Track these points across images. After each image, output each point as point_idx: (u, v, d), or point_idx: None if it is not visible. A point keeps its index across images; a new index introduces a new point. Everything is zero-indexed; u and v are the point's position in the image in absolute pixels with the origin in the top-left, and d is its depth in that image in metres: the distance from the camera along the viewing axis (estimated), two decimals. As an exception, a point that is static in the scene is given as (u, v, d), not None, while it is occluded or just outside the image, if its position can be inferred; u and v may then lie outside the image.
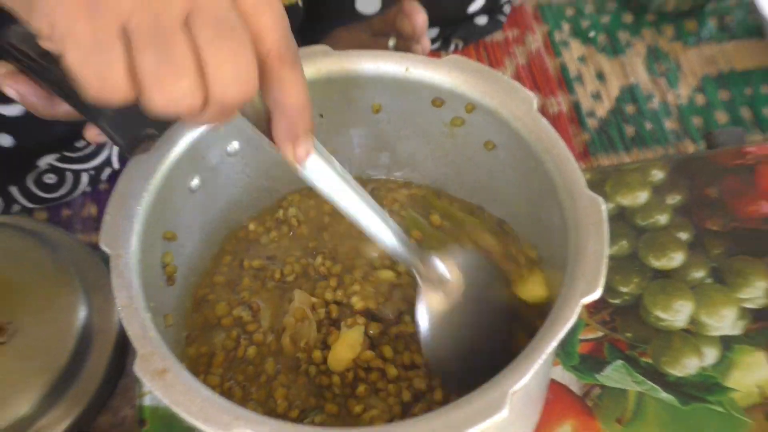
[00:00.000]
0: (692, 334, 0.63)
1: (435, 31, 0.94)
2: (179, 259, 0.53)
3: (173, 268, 0.53)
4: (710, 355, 0.62)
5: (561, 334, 0.40)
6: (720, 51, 0.93)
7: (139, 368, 0.41)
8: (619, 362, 0.62)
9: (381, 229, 0.48)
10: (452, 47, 0.95)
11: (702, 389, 0.61)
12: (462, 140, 0.55)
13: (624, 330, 0.64)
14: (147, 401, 0.63)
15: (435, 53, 0.96)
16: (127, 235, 0.47)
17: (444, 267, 0.50)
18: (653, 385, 0.61)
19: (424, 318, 0.50)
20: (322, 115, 0.56)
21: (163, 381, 0.41)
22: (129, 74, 0.37)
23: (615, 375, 0.62)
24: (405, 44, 0.89)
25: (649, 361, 0.62)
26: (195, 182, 0.53)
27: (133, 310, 0.44)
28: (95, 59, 0.38)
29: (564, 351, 0.63)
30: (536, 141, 0.49)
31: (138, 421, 0.63)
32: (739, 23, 0.95)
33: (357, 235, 0.54)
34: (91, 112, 0.54)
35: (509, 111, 0.50)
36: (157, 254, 0.51)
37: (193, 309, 0.55)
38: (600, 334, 0.64)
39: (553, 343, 0.40)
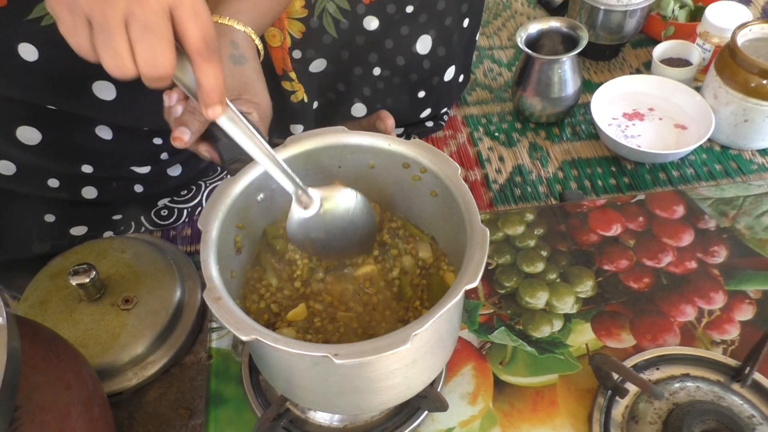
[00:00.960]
0: (547, 312, 0.64)
1: (400, 130, 0.95)
2: (245, 239, 0.54)
3: (240, 244, 0.53)
4: (557, 324, 0.63)
5: (449, 305, 0.41)
6: (572, 146, 0.95)
7: (205, 295, 0.43)
8: (503, 328, 0.63)
9: (269, 163, 0.47)
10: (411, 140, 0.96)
11: (552, 345, 0.61)
12: (418, 189, 0.55)
13: (506, 309, 0.64)
14: (214, 344, 0.63)
15: (401, 143, 0.98)
16: (213, 222, 0.48)
17: (312, 193, 0.50)
18: (522, 342, 0.61)
19: (291, 222, 0.51)
20: (340, 166, 0.57)
21: (218, 305, 0.42)
22: (92, 48, 0.41)
23: (499, 336, 0.62)
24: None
25: (521, 328, 0.63)
26: (261, 196, 0.54)
27: (209, 263, 0.45)
28: (73, 37, 0.41)
29: (469, 320, 0.63)
30: (458, 193, 0.50)
31: (207, 357, 0.63)
32: (583, 130, 0.97)
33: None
34: (213, 141, 0.55)
35: (445, 174, 0.51)
36: (231, 235, 0.52)
37: (251, 268, 0.56)
38: (492, 310, 0.64)
39: (443, 310, 0.41)
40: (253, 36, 0.60)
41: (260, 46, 0.61)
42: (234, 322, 0.41)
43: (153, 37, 0.40)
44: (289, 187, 0.49)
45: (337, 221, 0.53)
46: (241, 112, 0.51)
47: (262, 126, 0.57)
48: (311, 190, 0.51)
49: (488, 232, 0.45)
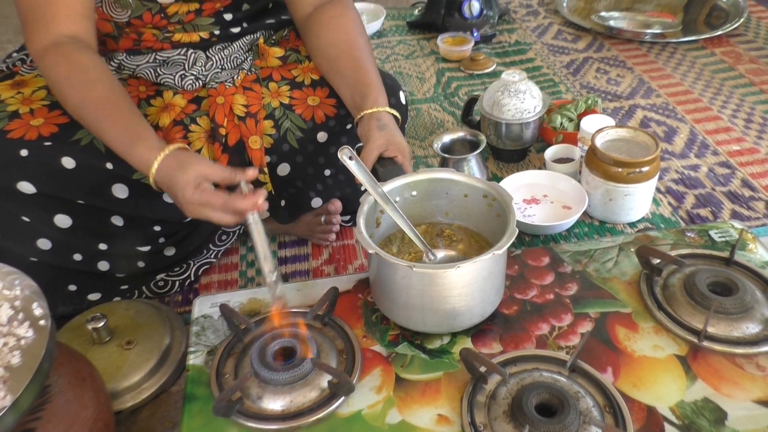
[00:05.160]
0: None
1: (347, 217, 1.20)
2: (384, 220, 0.87)
3: (380, 221, 0.86)
4: (446, 339, 0.82)
5: (482, 258, 0.74)
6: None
7: (355, 230, 0.78)
8: (405, 343, 0.81)
9: (410, 232, 0.81)
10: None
11: (441, 353, 0.80)
12: (490, 212, 0.85)
13: (409, 330, 0.84)
14: (191, 362, 0.81)
15: (349, 228, 1.21)
16: (360, 215, 0.80)
17: (435, 253, 0.84)
18: (419, 352, 0.80)
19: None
20: (447, 193, 0.89)
21: (359, 232, 0.77)
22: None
23: (402, 348, 0.81)
24: (329, 218, 1.14)
25: (419, 342, 0.81)
26: (398, 199, 0.86)
27: (360, 216, 0.80)
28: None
29: (381, 338, 0.82)
30: (510, 214, 0.79)
31: (185, 369, 0.81)
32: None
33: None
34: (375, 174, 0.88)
35: (506, 202, 0.81)
36: (373, 219, 0.84)
37: (385, 239, 0.90)
38: (398, 332, 0.83)
39: (477, 259, 0.74)
40: (389, 110, 0.93)
41: (397, 114, 0.95)
42: (365, 241, 0.75)
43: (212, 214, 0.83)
44: (423, 248, 0.83)
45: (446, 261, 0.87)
46: (392, 157, 0.88)
47: (406, 162, 0.89)
48: (435, 251, 0.85)
49: (517, 232, 0.76)
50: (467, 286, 0.77)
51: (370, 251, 0.75)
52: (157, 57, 1.03)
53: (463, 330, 0.83)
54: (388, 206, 0.81)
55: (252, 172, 0.82)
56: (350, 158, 0.80)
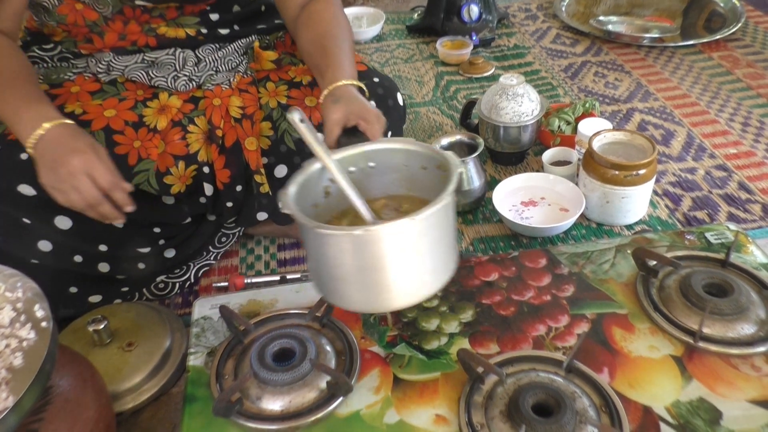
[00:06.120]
0: (437, 332, 0.83)
1: (347, 219, 1.20)
2: (332, 193, 0.79)
3: (328, 194, 0.79)
4: (444, 340, 0.82)
5: (415, 216, 0.65)
6: (482, 228, 1.18)
7: (280, 194, 0.71)
8: (404, 344, 0.82)
9: (355, 199, 0.72)
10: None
11: (438, 354, 0.80)
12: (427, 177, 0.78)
13: (407, 331, 0.84)
14: (191, 363, 0.82)
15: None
16: (294, 180, 0.74)
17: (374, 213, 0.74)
18: (417, 352, 0.81)
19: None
20: (372, 166, 0.80)
21: (284, 195, 0.70)
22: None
23: (401, 349, 0.81)
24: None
25: (417, 343, 0.82)
26: (353, 169, 0.79)
27: (291, 183, 0.73)
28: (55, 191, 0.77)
29: (379, 339, 0.83)
30: (449, 185, 0.69)
31: (185, 370, 0.82)
32: (492, 216, 1.21)
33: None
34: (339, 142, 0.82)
35: (451, 172, 0.72)
36: (319, 188, 0.78)
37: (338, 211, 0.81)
38: (396, 333, 0.84)
39: (407, 217, 0.65)
40: (348, 82, 0.87)
41: (361, 85, 0.90)
42: (284, 201, 0.69)
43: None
44: (369, 218, 0.74)
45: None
46: (361, 132, 0.80)
47: (372, 127, 0.80)
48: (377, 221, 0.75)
49: (445, 201, 0.67)
50: (382, 258, 0.67)
51: (285, 211, 0.67)
52: (145, 57, 1.04)
53: (461, 331, 0.84)
54: (337, 174, 0.72)
55: (128, 186, 0.87)
56: (301, 121, 0.71)
